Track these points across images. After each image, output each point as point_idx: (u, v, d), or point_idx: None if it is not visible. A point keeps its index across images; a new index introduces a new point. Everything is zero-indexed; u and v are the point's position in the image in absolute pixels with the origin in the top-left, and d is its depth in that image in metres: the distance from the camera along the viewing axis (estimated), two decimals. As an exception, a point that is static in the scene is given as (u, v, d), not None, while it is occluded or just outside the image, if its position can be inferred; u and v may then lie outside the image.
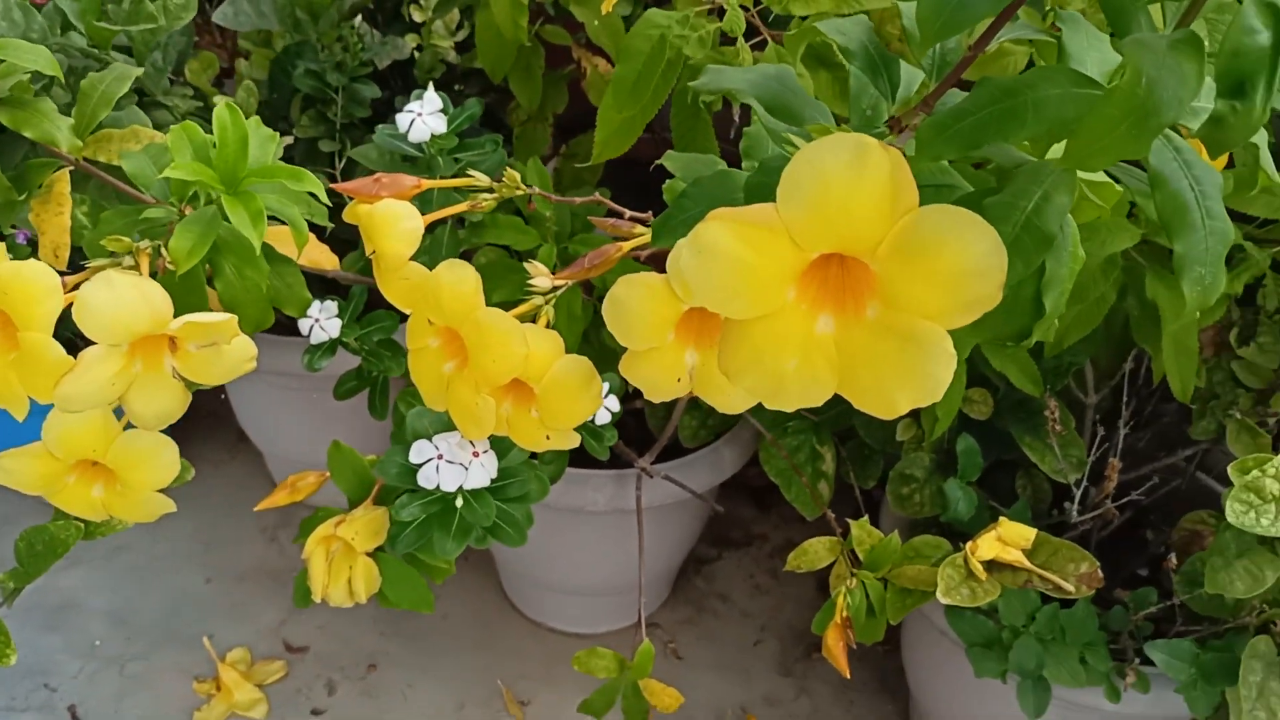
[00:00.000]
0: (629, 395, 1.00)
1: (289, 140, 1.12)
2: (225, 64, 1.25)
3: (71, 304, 0.53)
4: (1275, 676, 0.74)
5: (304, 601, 0.78)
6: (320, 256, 0.83)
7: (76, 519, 0.81)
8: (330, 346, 0.93)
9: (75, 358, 0.54)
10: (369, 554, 0.75)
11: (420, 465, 0.67)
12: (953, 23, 0.33)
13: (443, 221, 1.00)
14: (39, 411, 0.65)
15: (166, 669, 1.22)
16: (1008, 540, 0.78)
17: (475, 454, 0.67)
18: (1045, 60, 0.59)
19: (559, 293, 0.66)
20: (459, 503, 0.67)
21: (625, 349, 1.06)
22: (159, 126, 0.83)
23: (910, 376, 0.34)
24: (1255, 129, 0.31)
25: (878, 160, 0.32)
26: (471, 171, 0.67)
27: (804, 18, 0.80)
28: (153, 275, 0.59)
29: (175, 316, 0.54)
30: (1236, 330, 0.90)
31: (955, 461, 0.92)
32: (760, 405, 0.54)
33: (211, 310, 0.64)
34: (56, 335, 0.54)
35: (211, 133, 0.61)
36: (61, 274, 0.56)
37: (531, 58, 1.13)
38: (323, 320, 0.91)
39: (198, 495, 1.38)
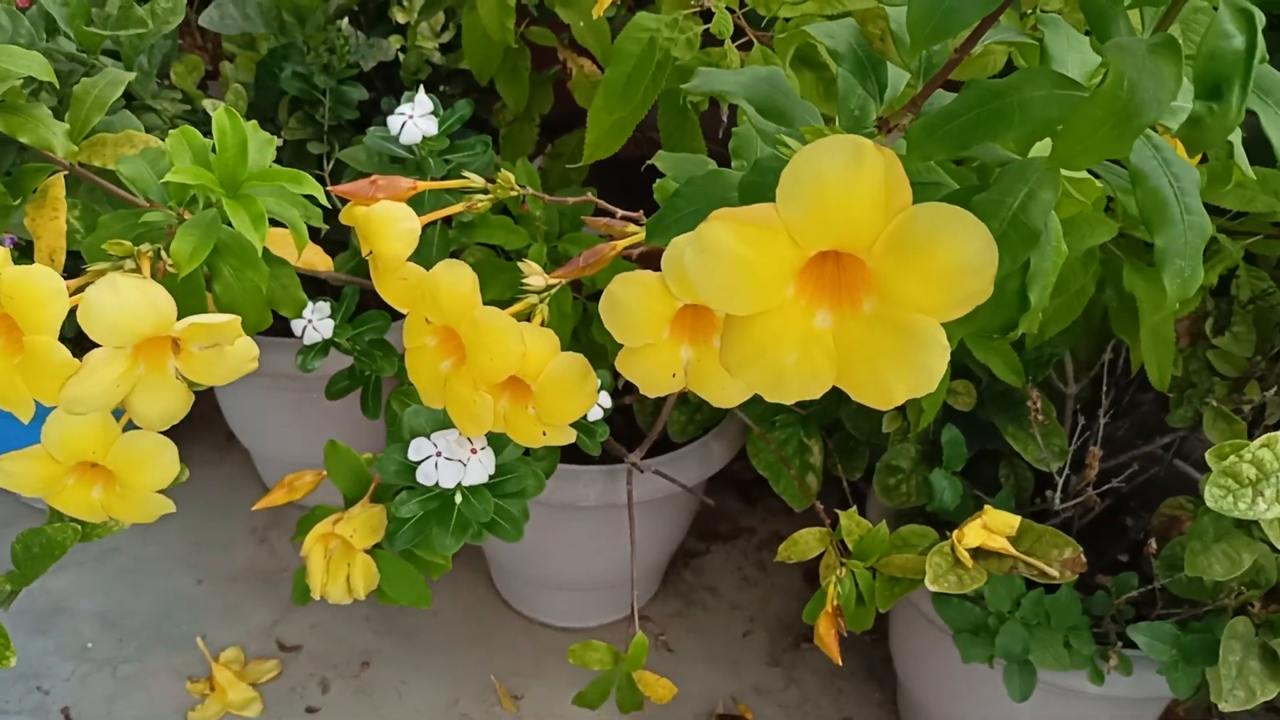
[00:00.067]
0: (617, 392, 1.01)
1: (278, 143, 1.13)
2: (209, 67, 1.25)
3: (75, 307, 0.54)
4: (1254, 656, 0.76)
5: (303, 599, 0.79)
6: (314, 258, 0.84)
7: (74, 521, 0.82)
8: (323, 347, 0.94)
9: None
10: (367, 551, 0.76)
11: (419, 462, 0.68)
12: (943, 27, 0.35)
13: (433, 222, 1.01)
14: (37, 415, 0.66)
15: (159, 670, 1.22)
16: (993, 528, 0.80)
17: (473, 450, 0.68)
18: (1028, 61, 0.60)
19: (553, 291, 0.67)
20: (458, 499, 0.68)
21: (614, 346, 1.07)
22: (148, 130, 0.83)
23: (906, 368, 0.35)
24: (1231, 129, 0.32)
25: (873, 160, 0.34)
26: (466, 173, 0.68)
27: (788, 19, 0.82)
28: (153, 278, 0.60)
29: (178, 319, 0.55)
30: (1212, 320, 0.92)
31: (940, 452, 0.94)
32: (749, 399, 0.55)
33: (209, 312, 0.65)
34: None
35: (206, 136, 0.62)
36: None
37: (518, 59, 1.14)
38: (316, 321, 0.92)
39: (187, 497, 1.37)
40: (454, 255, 0.99)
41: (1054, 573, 0.78)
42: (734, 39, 0.80)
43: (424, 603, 0.78)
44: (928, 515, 0.96)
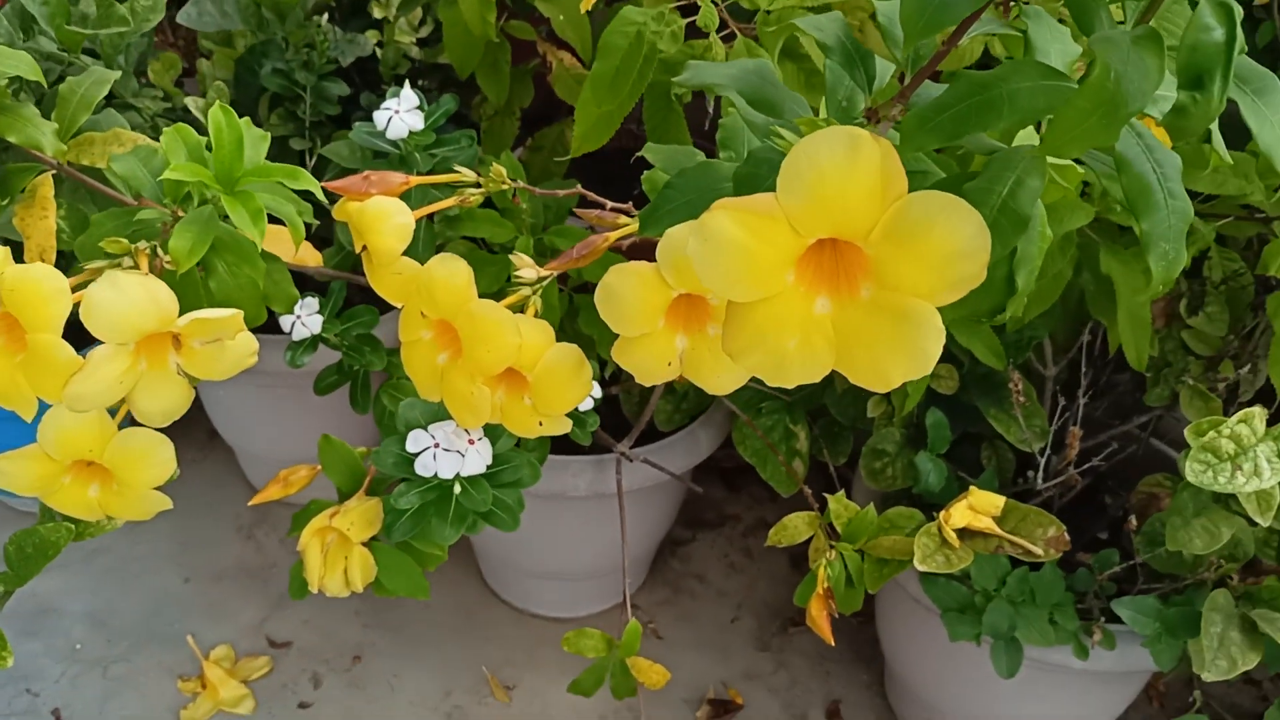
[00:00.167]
0: (604, 382, 1.02)
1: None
2: (185, 64, 1.25)
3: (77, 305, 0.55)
4: (1234, 627, 0.78)
5: (300, 593, 0.80)
6: (305, 254, 0.84)
7: (67, 520, 0.82)
8: (312, 343, 0.94)
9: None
10: (364, 544, 0.77)
11: (417, 454, 0.68)
12: (935, 22, 0.36)
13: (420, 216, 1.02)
14: (13, 417, 0.66)
15: (150, 669, 1.22)
16: (978, 508, 0.82)
17: (471, 441, 0.69)
18: (1010, 52, 0.62)
19: (545, 283, 0.68)
20: (456, 490, 0.69)
21: (602, 337, 1.08)
22: (130, 128, 0.83)
23: (903, 351, 0.37)
24: (1213, 117, 0.34)
25: (869, 150, 0.35)
26: (458, 168, 0.69)
27: (769, 11, 0.83)
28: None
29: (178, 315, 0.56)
30: (1186, 301, 0.95)
31: (925, 435, 0.96)
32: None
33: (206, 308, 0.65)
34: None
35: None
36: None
37: (499, 53, 1.15)
38: (305, 317, 0.92)
39: (173, 495, 1.38)
40: (437, 249, 1.00)
41: (1039, 551, 0.80)
42: (718, 31, 0.82)
43: (421, 594, 0.79)
44: (913, 498, 0.98)
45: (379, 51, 1.19)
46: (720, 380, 0.58)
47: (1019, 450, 1.03)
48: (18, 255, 0.79)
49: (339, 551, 0.77)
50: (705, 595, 1.35)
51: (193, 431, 1.51)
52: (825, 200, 0.35)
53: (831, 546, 0.86)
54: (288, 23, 1.12)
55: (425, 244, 1.01)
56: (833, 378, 0.48)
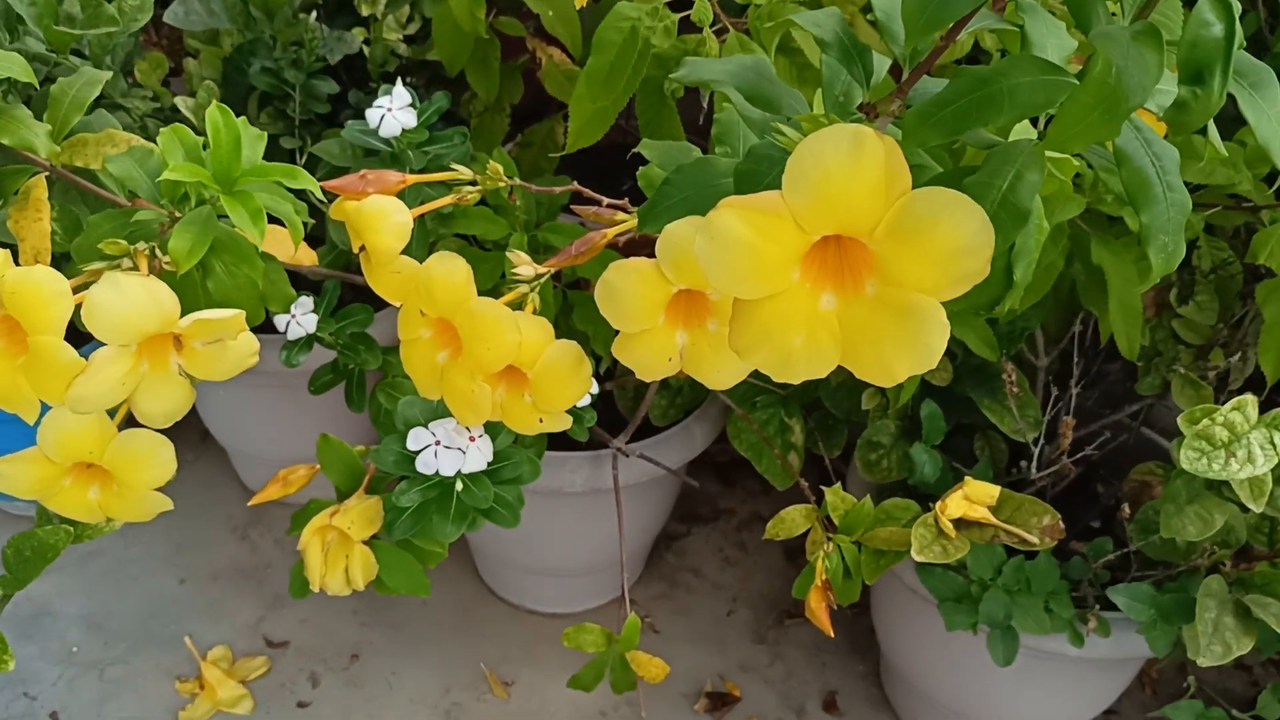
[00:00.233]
0: (598, 378, 1.02)
1: (256, 138, 1.13)
2: (171, 63, 1.24)
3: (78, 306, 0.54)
4: (1228, 612, 0.79)
5: (301, 592, 0.80)
6: (300, 253, 0.84)
7: (66, 523, 0.82)
8: (307, 342, 0.94)
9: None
10: (364, 542, 0.77)
11: (418, 452, 0.69)
12: (936, 19, 0.36)
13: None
14: (12, 420, 0.66)
15: (147, 671, 1.22)
16: (974, 498, 0.83)
17: (471, 438, 0.69)
18: (1007, 46, 0.62)
19: (542, 280, 0.68)
20: (458, 487, 0.69)
21: (598, 333, 1.08)
22: (120, 129, 0.83)
23: (908, 346, 0.37)
24: (1214, 111, 0.34)
25: (874, 148, 0.35)
26: (455, 165, 0.69)
27: (760, 4, 0.83)
28: (148, 277, 0.60)
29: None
30: (1176, 290, 0.95)
31: (919, 427, 0.96)
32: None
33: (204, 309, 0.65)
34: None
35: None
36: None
37: (488, 50, 1.14)
38: (300, 316, 0.92)
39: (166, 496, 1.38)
40: (430, 247, 1.00)
41: (1034, 540, 0.81)
42: (709, 25, 0.82)
43: (423, 591, 0.79)
44: (908, 489, 0.98)
45: (366, 49, 1.19)
46: (720, 375, 0.59)
47: (1011, 440, 1.04)
48: (12, 258, 0.79)
49: (340, 550, 0.78)
50: (701, 589, 1.35)
51: (185, 432, 1.50)
52: (830, 198, 0.36)
53: (829, 539, 0.87)
54: (276, 21, 1.12)
55: (419, 242, 1.01)
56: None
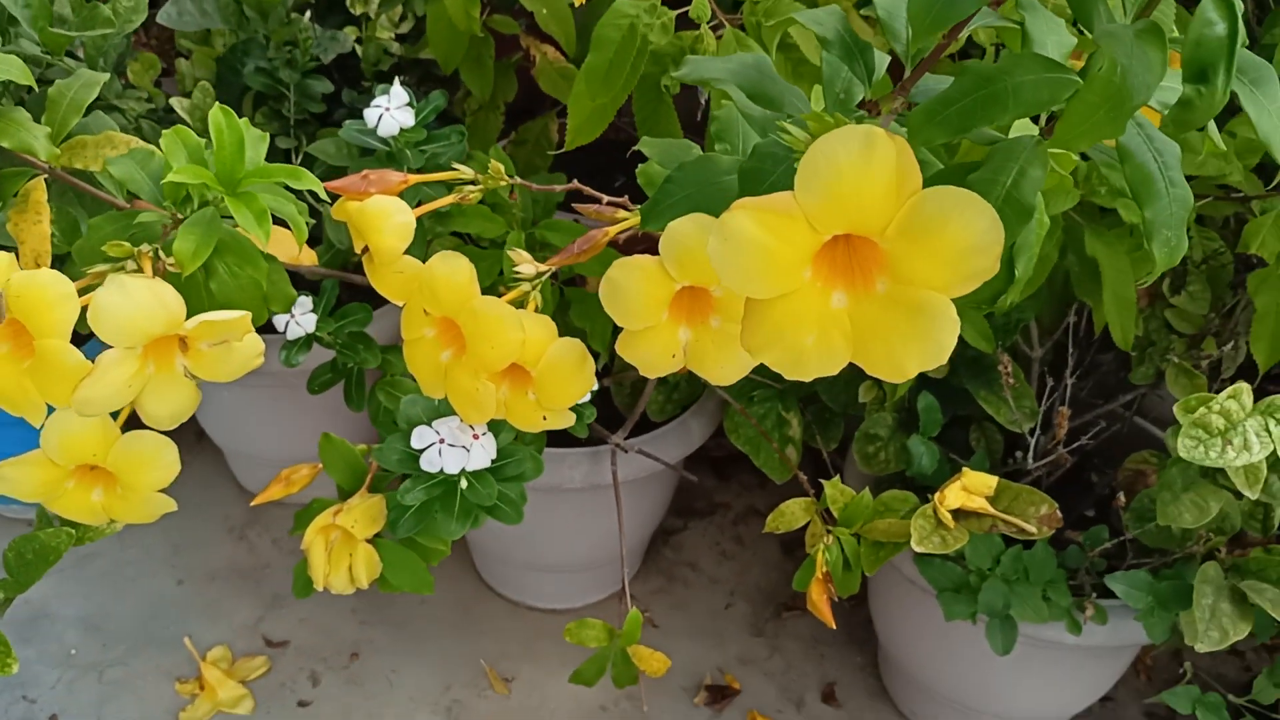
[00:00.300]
0: (594, 374, 1.02)
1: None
2: (161, 64, 1.24)
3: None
4: (1224, 598, 0.80)
5: (304, 592, 0.80)
6: (301, 253, 0.84)
7: (67, 525, 0.82)
8: (306, 341, 0.95)
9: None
10: (368, 540, 0.77)
11: (422, 450, 0.69)
12: (942, 18, 0.37)
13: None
14: (15, 423, 0.66)
15: (147, 672, 1.22)
16: (972, 489, 0.84)
17: (475, 436, 0.70)
18: (1006, 43, 0.63)
19: (544, 278, 0.68)
20: (463, 484, 0.70)
21: (595, 330, 1.08)
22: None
23: (919, 343, 0.38)
24: (1218, 109, 0.35)
25: (885, 148, 0.36)
26: (456, 165, 0.69)
27: (757, 1, 0.83)
28: (151, 280, 0.60)
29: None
30: (1168, 280, 0.96)
31: (916, 419, 0.97)
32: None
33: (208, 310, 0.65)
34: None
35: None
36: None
37: (482, 48, 1.14)
38: (299, 316, 0.92)
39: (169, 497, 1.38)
40: (426, 245, 1.00)
41: (1032, 529, 0.82)
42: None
43: (426, 589, 0.79)
44: (905, 481, 0.99)
45: (358, 48, 1.19)
46: (724, 371, 0.59)
47: (1007, 431, 1.04)
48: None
49: (343, 549, 0.78)
50: (698, 583, 1.36)
51: (181, 433, 1.47)
52: (843, 198, 0.36)
53: (828, 531, 0.88)
54: (270, 21, 1.12)
55: (417, 241, 1.01)
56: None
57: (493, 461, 0.71)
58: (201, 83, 1.04)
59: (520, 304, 0.66)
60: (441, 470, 0.69)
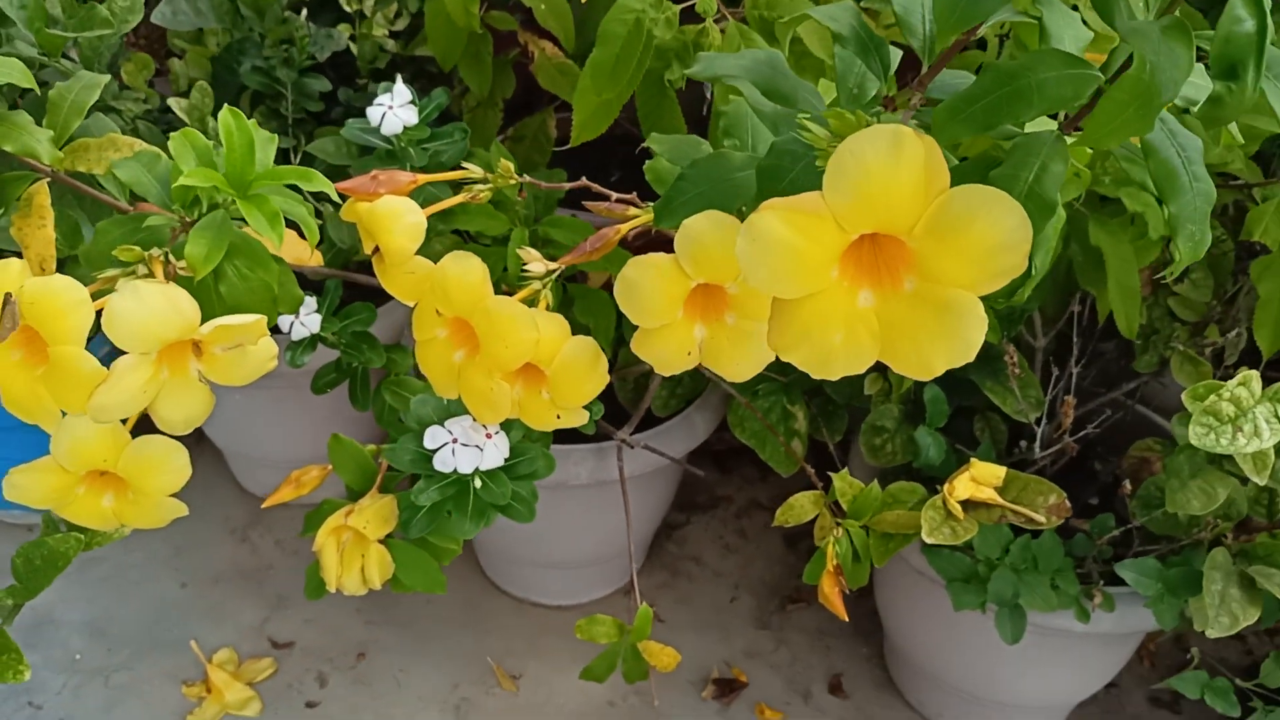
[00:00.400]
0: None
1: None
2: (157, 64, 1.23)
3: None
4: (1234, 584, 0.81)
5: (317, 593, 0.80)
6: (305, 254, 0.84)
7: (76, 530, 0.81)
8: (311, 342, 0.94)
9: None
10: (379, 541, 0.77)
11: (435, 450, 0.69)
12: (967, 16, 0.37)
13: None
14: (15, 427, 0.65)
15: (153, 676, 1.22)
16: (980, 480, 0.84)
17: (488, 435, 0.70)
18: (1024, 39, 0.63)
19: (554, 276, 0.68)
20: (476, 484, 0.70)
21: (595, 325, 1.08)
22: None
23: (947, 341, 0.38)
24: (1248, 106, 0.35)
25: (913, 148, 0.36)
26: (466, 164, 0.69)
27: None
28: (162, 284, 0.60)
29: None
30: (1171, 268, 0.97)
31: (923, 411, 0.97)
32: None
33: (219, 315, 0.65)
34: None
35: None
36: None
37: (481, 44, 1.14)
38: (303, 316, 0.92)
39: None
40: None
41: (1041, 519, 0.82)
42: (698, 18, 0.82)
43: (439, 588, 0.79)
44: (911, 472, 0.99)
45: (352, 46, 1.18)
46: (739, 368, 0.59)
47: (1011, 421, 1.05)
48: (15, 267, 0.78)
49: (355, 550, 0.78)
50: (702, 577, 1.36)
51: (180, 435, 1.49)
52: (872, 197, 0.36)
53: (838, 524, 0.88)
54: (266, 19, 1.11)
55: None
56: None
57: (505, 460, 0.71)
58: (200, 83, 1.03)
59: (531, 302, 0.66)
60: (455, 470, 0.69)
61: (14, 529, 1.36)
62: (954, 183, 0.36)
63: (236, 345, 0.57)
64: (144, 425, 0.61)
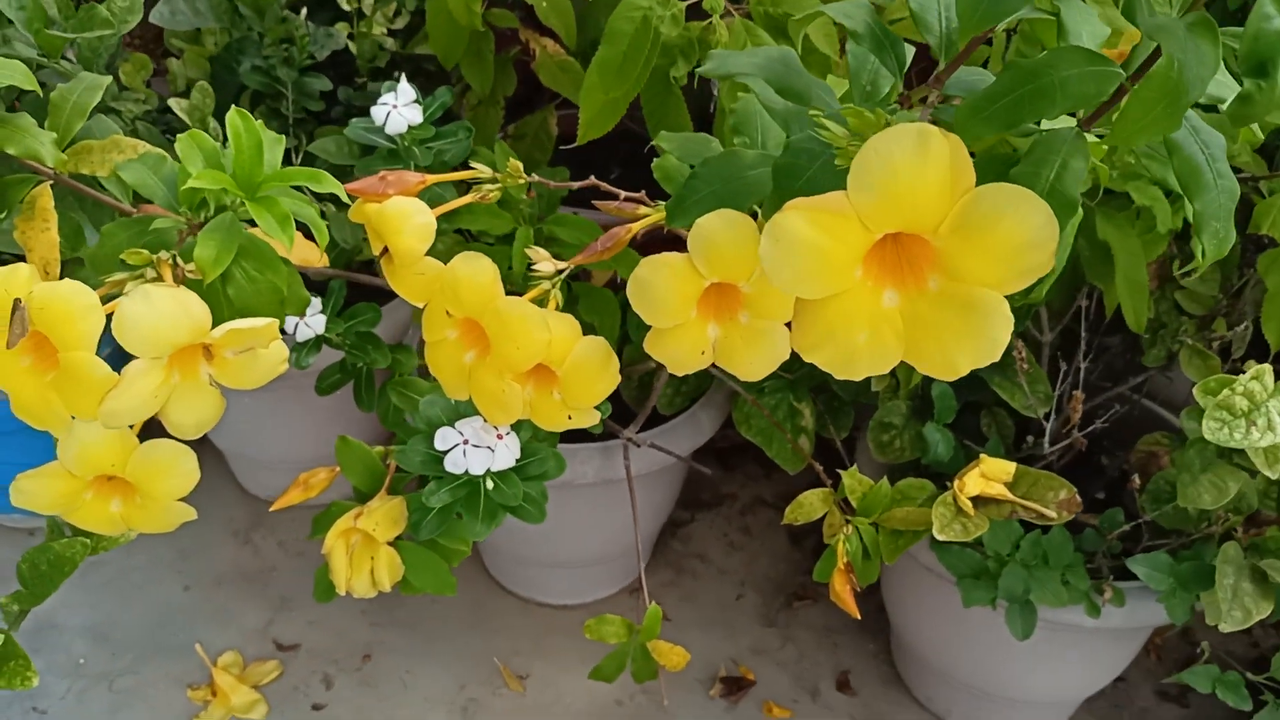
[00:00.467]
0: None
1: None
2: (154, 64, 1.22)
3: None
4: (1245, 578, 0.81)
5: (326, 596, 0.79)
6: (311, 255, 0.84)
7: (82, 535, 0.81)
8: (316, 343, 0.94)
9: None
10: (389, 543, 0.77)
11: (446, 452, 0.68)
12: (992, 14, 0.37)
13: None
14: (17, 430, 0.65)
15: (157, 680, 1.21)
16: (990, 476, 0.84)
17: (499, 436, 0.69)
18: (1038, 34, 0.62)
19: (562, 276, 0.68)
20: (488, 485, 0.69)
21: (600, 324, 1.07)
22: (112, 133, 0.82)
23: (973, 340, 0.38)
24: (1279, 104, 0.35)
25: (939, 147, 0.35)
26: (475, 164, 0.68)
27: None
28: (170, 288, 0.60)
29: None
30: (1177, 262, 0.97)
31: (930, 407, 0.97)
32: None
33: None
34: None
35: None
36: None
37: (482, 42, 1.14)
38: (308, 317, 0.92)
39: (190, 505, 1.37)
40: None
41: (1052, 514, 0.82)
42: (702, 14, 0.82)
43: (449, 590, 0.79)
44: (919, 469, 0.99)
45: (351, 45, 1.17)
46: (753, 367, 0.59)
47: (1018, 416, 1.05)
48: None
49: (364, 552, 0.77)
50: (708, 575, 1.36)
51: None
52: (897, 196, 0.36)
53: (847, 521, 0.88)
54: (266, 19, 1.10)
55: (423, 239, 1.00)
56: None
57: (517, 461, 0.71)
58: (200, 83, 1.03)
59: (541, 302, 0.65)
60: (467, 471, 0.69)
61: (14, 533, 1.35)
62: (968, 180, 0.36)
63: (248, 349, 0.57)
64: (150, 429, 0.61)
